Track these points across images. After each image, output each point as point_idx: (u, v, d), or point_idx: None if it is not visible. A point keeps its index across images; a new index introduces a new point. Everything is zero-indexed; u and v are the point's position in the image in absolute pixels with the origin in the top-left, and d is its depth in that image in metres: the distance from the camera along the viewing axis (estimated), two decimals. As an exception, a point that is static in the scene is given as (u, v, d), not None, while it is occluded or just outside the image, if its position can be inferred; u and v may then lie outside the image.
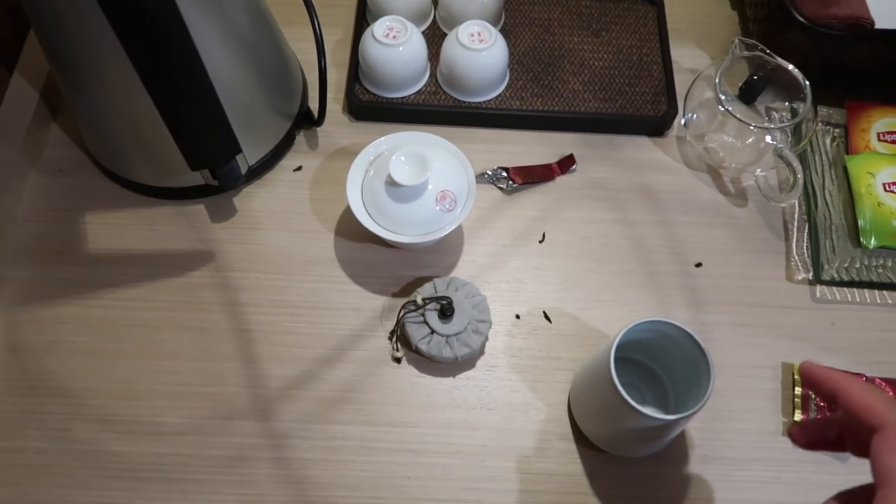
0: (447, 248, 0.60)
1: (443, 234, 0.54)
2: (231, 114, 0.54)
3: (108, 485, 0.50)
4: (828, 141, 0.66)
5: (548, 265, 0.60)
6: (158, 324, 0.56)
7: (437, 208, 0.54)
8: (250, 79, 0.56)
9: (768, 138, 0.61)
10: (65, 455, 0.51)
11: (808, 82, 0.60)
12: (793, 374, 0.55)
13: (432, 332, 0.53)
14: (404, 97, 0.65)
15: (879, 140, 0.65)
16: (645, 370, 0.54)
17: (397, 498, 0.50)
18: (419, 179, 0.52)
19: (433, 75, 0.66)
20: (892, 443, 0.34)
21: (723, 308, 0.58)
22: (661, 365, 0.53)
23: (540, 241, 0.61)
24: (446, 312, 0.53)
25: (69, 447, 0.51)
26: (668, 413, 0.48)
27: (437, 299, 0.54)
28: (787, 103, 0.64)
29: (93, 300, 0.57)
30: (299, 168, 0.63)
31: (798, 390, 0.54)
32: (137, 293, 0.57)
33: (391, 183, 0.53)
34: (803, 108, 0.60)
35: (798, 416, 0.54)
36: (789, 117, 0.62)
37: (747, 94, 0.66)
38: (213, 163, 0.51)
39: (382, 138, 0.57)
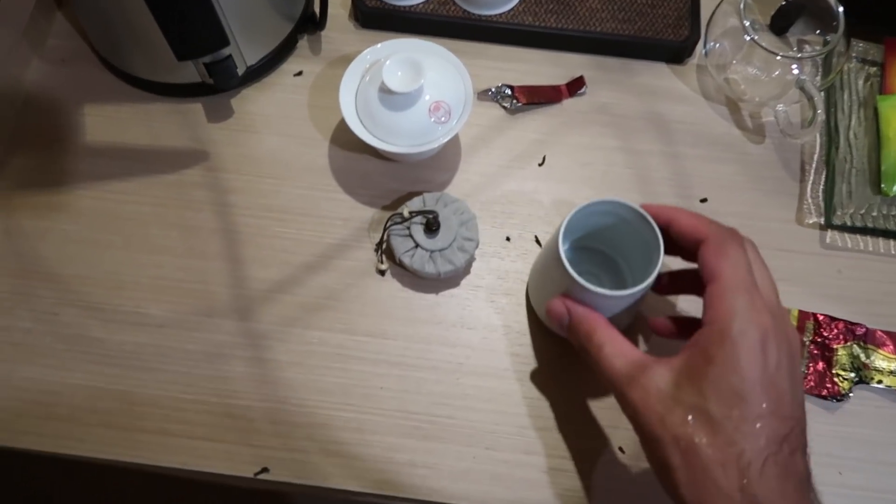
0: (442, 165, 0.58)
1: (434, 147, 0.52)
2: (228, 8, 0.53)
3: (89, 369, 0.51)
4: (861, 80, 0.62)
5: (544, 189, 0.58)
6: (147, 218, 0.56)
7: (431, 119, 0.52)
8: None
9: (794, 70, 0.57)
10: (50, 337, 0.52)
11: (841, 9, 0.55)
12: (792, 319, 0.53)
13: (417, 245, 0.52)
14: (412, 5, 0.62)
15: (917, 81, 0.61)
16: (605, 259, 0.53)
17: (368, 406, 0.51)
18: (412, 87, 0.51)
19: (445, -16, 0.63)
20: (713, 247, 0.40)
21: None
22: (620, 253, 0.53)
23: (539, 164, 0.59)
24: (432, 227, 0.52)
25: (55, 330, 0.52)
26: None
27: (423, 213, 0.52)
28: (821, 36, 0.60)
29: (86, 191, 0.57)
30: (300, 73, 0.62)
31: (791, 335, 0.53)
32: (129, 187, 0.57)
33: (384, 90, 0.52)
34: (834, 37, 0.55)
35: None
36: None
37: (778, 23, 0.62)
38: (197, 52, 0.50)
39: (380, 44, 0.55)
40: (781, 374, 0.37)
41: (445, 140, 0.52)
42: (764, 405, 0.36)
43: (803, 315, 0.53)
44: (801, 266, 0.56)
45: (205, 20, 0.47)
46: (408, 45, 0.55)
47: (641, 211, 0.46)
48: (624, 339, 0.42)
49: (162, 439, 0.50)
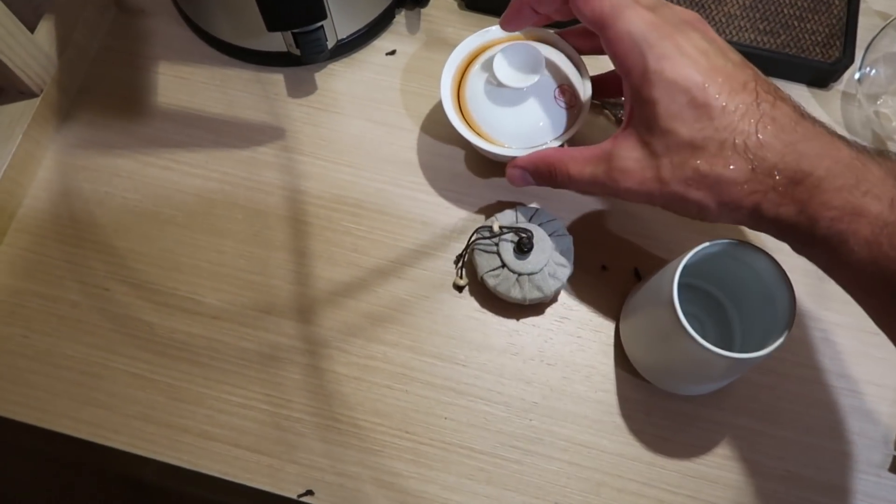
0: (540, 174, 0.52)
1: (566, 136, 0.46)
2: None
3: (135, 354, 0.47)
4: None
5: (652, 216, 0.51)
6: (213, 196, 0.51)
7: (558, 105, 0.46)
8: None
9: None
10: (98, 314, 0.48)
11: None
12: (919, 403, 0.46)
13: (503, 265, 0.46)
14: (526, -11, 0.56)
15: None
16: (713, 303, 0.47)
17: (429, 437, 0.46)
18: (530, 80, 0.45)
19: (565, -31, 0.56)
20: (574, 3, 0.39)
21: (849, 309, 0.48)
22: (732, 299, 0.46)
23: (649, 186, 0.52)
24: (523, 248, 0.46)
25: (104, 307, 0.49)
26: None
27: (516, 230, 0.46)
28: None
29: (151, 157, 0.53)
30: (393, 52, 0.56)
31: (921, 422, 0.46)
32: (197, 158, 0.52)
33: (495, 83, 0.46)
34: None
35: (913, 452, 0.45)
36: None
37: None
38: (290, 24, 0.44)
39: (493, 27, 0.49)
40: (708, 54, 0.37)
41: (576, 129, 0.46)
42: (722, 93, 0.35)
43: (940, 402, 0.46)
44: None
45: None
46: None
47: (773, 259, 0.39)
48: (578, 148, 0.42)
49: (203, 443, 0.45)
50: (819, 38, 0.54)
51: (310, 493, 0.44)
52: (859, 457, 0.45)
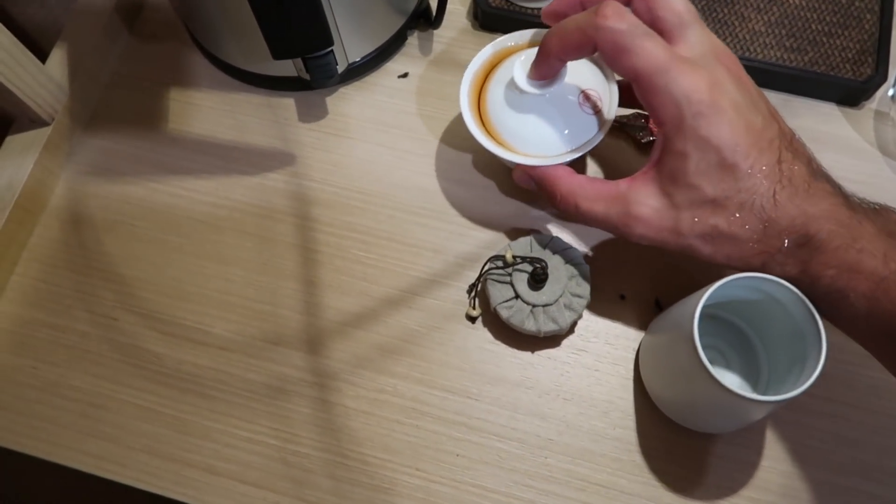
0: (556, 200, 0.50)
1: (593, 143, 0.43)
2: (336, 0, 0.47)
3: (142, 385, 0.47)
4: None
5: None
6: (222, 223, 0.51)
7: (584, 112, 0.44)
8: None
9: None
10: (106, 344, 0.48)
11: None
12: (960, 443, 0.43)
13: (517, 297, 0.45)
14: (541, 7, 0.54)
15: None
16: (736, 334, 0.45)
17: (440, 474, 0.44)
18: (550, 86, 0.42)
19: (582, -13, 0.55)
20: (611, 52, 0.37)
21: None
22: (758, 331, 0.44)
23: (669, 212, 0.50)
24: (538, 278, 0.44)
25: (112, 337, 0.48)
26: (755, 391, 0.42)
27: (530, 260, 0.45)
28: None
29: (161, 184, 0.52)
30: (405, 75, 0.55)
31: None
32: (206, 185, 0.52)
33: (516, 90, 0.43)
34: None
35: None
36: None
37: None
38: (295, 52, 0.43)
39: (508, 36, 0.47)
40: (741, 109, 0.37)
41: (602, 135, 0.43)
42: (750, 155, 0.36)
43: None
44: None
45: (310, 19, 0.41)
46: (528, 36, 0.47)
47: (801, 295, 0.37)
48: (589, 179, 0.41)
49: (209, 478, 0.44)
50: (850, 55, 0.52)
51: (317, 532, 0.43)
52: (894, 498, 0.43)
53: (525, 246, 0.46)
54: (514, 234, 0.49)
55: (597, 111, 0.44)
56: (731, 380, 0.44)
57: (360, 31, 0.51)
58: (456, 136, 0.53)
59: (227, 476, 0.44)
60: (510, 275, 0.45)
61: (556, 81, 0.42)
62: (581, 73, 0.44)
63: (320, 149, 0.53)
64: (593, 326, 0.47)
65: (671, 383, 0.42)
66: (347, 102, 0.54)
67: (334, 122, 0.54)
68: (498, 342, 0.47)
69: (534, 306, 0.45)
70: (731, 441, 0.44)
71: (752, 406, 0.36)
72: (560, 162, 0.43)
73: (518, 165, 0.43)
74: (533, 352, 0.47)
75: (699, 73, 0.36)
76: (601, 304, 0.47)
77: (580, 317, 0.46)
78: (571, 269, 0.45)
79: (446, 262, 0.49)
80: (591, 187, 0.40)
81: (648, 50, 0.36)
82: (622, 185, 0.40)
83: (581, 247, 0.49)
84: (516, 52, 0.46)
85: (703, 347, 0.44)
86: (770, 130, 0.37)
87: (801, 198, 0.36)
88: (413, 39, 0.56)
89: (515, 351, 0.47)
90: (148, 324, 0.48)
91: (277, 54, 0.43)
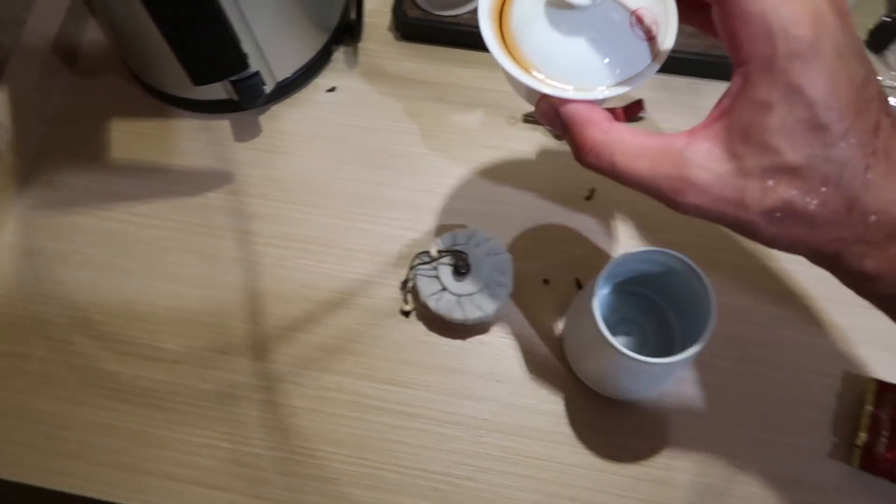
0: (479, 195, 0.53)
1: (648, 75, 0.33)
2: (255, 21, 0.50)
3: (101, 404, 0.49)
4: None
5: (591, 226, 0.52)
6: (167, 244, 0.53)
7: (636, 37, 0.33)
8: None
9: (892, 100, 0.50)
10: (65, 368, 0.50)
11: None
12: (864, 388, 0.46)
13: (444, 289, 0.48)
14: (458, 15, 0.57)
15: None
16: (652, 306, 0.48)
17: (384, 462, 0.47)
18: None
19: (493, -8, 0.58)
20: None
21: (789, 301, 0.49)
22: (669, 301, 0.47)
23: (587, 198, 0.53)
24: (461, 270, 0.47)
25: (69, 360, 0.51)
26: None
27: (453, 253, 0.48)
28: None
29: (109, 212, 0.55)
30: (333, 89, 0.58)
31: (868, 408, 0.46)
32: (151, 209, 0.55)
33: (560, 5, 0.33)
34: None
35: (862, 439, 0.45)
36: (923, 74, 0.50)
37: (877, 41, 0.54)
38: (214, 77, 0.46)
39: None
40: (845, 56, 0.28)
41: (656, 68, 0.33)
42: (846, 116, 0.28)
43: (881, 386, 0.46)
44: (879, 325, 0.48)
45: (221, 44, 0.44)
46: None
47: (691, 263, 0.40)
48: (631, 129, 0.31)
49: (168, 484, 0.47)
50: (745, 37, 0.55)
51: (272, 525, 0.46)
52: (805, 446, 0.46)
53: (449, 240, 0.49)
54: (442, 230, 0.52)
55: (650, 37, 0.33)
56: (648, 349, 0.47)
57: (285, 49, 0.54)
58: (384, 141, 0.56)
59: (186, 481, 0.47)
60: (436, 269, 0.48)
61: None
62: None
63: (257, 165, 0.56)
64: (521, 311, 0.50)
65: (588, 356, 0.45)
66: (280, 119, 0.57)
67: (269, 139, 0.57)
68: (431, 333, 0.50)
69: (460, 296, 0.48)
70: (652, 406, 0.47)
71: (649, 368, 0.39)
72: (600, 97, 0.33)
73: (544, 96, 0.33)
74: (465, 339, 0.50)
75: (802, 1, 0.28)
76: (526, 289, 0.50)
77: (506, 303, 0.49)
78: (493, 259, 0.48)
79: (380, 262, 0.52)
80: (634, 139, 0.31)
81: None
82: (676, 140, 0.30)
83: (503, 237, 0.52)
84: None
85: (621, 321, 0.48)
86: (871, 87, 0.29)
87: (891, 178, 0.29)
88: (339, 54, 0.59)
89: (448, 340, 0.50)
90: (103, 345, 0.51)
91: (197, 80, 0.46)
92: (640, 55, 0.33)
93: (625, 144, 0.31)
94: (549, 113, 0.33)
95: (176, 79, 0.54)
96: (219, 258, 0.53)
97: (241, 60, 0.45)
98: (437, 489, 0.46)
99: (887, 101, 0.30)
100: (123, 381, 0.50)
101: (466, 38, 0.58)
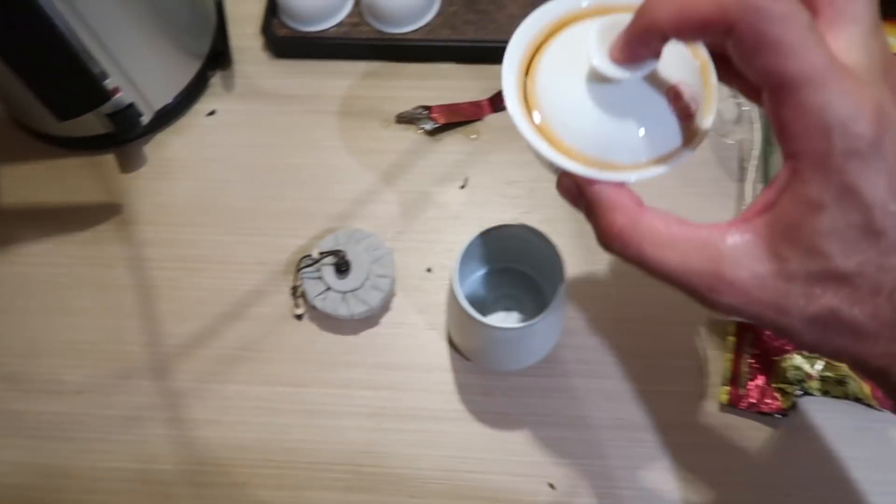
0: (360, 196, 0.56)
1: (688, 156, 0.30)
2: (122, 53, 0.52)
3: (8, 443, 0.50)
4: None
5: (468, 214, 0.55)
6: (62, 280, 0.55)
7: (672, 113, 0.30)
8: (141, 15, 0.52)
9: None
10: (-31, 412, 0.51)
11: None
12: (725, 331, 0.50)
13: (328, 288, 0.50)
14: (324, 30, 0.60)
15: None
16: (529, 281, 0.50)
17: (289, 460, 0.49)
18: (637, 71, 0.28)
19: (356, 3, 0.60)
20: (750, 37, 0.24)
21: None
22: (540, 274, 0.50)
23: (461, 187, 0.56)
24: (341, 268, 0.50)
25: (-26, 404, 0.51)
26: None
27: (332, 253, 0.50)
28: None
29: (3, 256, 0.56)
30: (213, 112, 0.60)
31: (730, 348, 0.49)
32: (43, 249, 0.56)
33: (586, 69, 0.29)
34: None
35: (727, 378, 0.48)
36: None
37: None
38: (75, 112, 0.48)
39: (545, 7, 0.32)
40: None
41: (694, 151, 0.30)
42: None
43: (741, 327, 0.49)
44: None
45: (76, 78, 0.46)
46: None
47: (540, 231, 0.43)
48: (662, 215, 0.28)
49: (80, 511, 0.48)
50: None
51: (184, 536, 0.47)
52: (680, 392, 0.49)
53: (331, 242, 0.51)
54: (326, 234, 0.54)
55: (687, 115, 0.30)
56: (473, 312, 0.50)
57: (158, 79, 0.56)
58: (266, 156, 0.58)
59: (97, 505, 0.48)
60: (319, 270, 0.50)
61: (647, 65, 0.28)
62: (672, 62, 0.30)
63: (145, 194, 0.57)
64: (408, 301, 0.53)
65: (464, 332, 0.47)
66: (164, 147, 0.59)
67: (155, 167, 0.58)
68: (324, 332, 0.52)
69: (344, 293, 0.50)
70: (537, 374, 0.49)
71: (511, 335, 0.42)
72: (630, 179, 0.29)
73: (565, 172, 0.30)
74: (357, 334, 0.52)
75: (865, 94, 0.25)
76: (411, 280, 0.53)
77: (391, 294, 0.52)
78: (374, 254, 0.51)
79: (271, 271, 0.54)
80: (665, 229, 0.28)
81: (807, 51, 0.24)
82: (712, 232, 0.28)
83: (387, 232, 0.54)
84: (587, 17, 0.32)
85: (501, 298, 0.51)
86: None
87: None
88: (216, 79, 0.61)
89: (341, 336, 0.52)
90: (7, 386, 0.52)
91: (60, 116, 0.47)
92: (675, 133, 0.30)
93: (655, 233, 0.28)
94: (572, 190, 0.31)
95: (52, 118, 0.56)
96: (114, 287, 0.54)
97: (100, 92, 0.47)
98: (342, 479, 0.48)
99: None
100: (28, 418, 0.51)
101: (336, 50, 0.60)
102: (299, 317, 0.52)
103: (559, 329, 0.48)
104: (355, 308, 0.49)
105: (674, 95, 0.30)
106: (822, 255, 0.26)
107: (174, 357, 0.52)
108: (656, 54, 0.28)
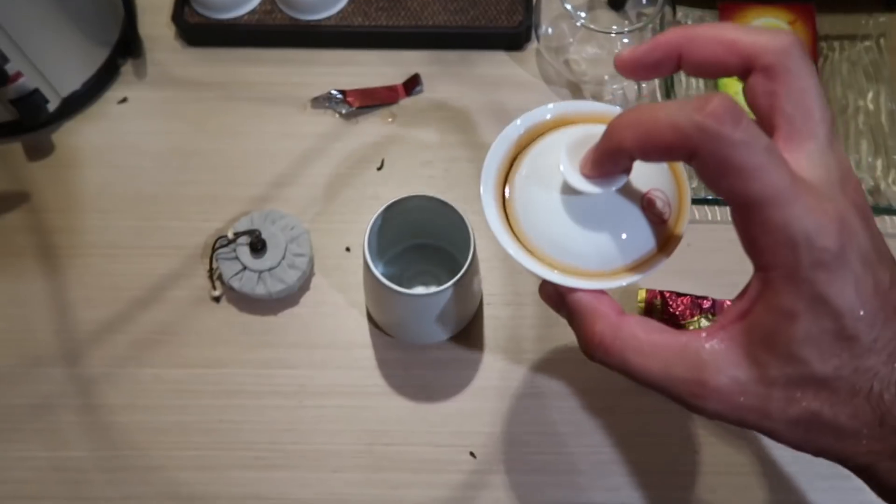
0: (277, 179, 0.56)
1: (647, 272, 0.31)
2: (23, 38, 0.51)
3: None
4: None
5: (385, 194, 0.56)
6: (-35, 271, 0.53)
7: (646, 219, 0.31)
8: (43, 1, 0.51)
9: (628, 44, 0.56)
10: None
11: (664, -22, 0.54)
12: (635, 302, 0.52)
13: (244, 268, 0.50)
14: (236, 17, 0.60)
15: (752, 44, 0.60)
16: (446, 256, 0.52)
17: (209, 442, 0.48)
18: (610, 185, 0.30)
19: (269, -8, 0.61)
20: (712, 166, 0.26)
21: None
22: (458, 248, 0.50)
23: (378, 168, 0.57)
24: (256, 247, 0.50)
25: None
26: None
27: (247, 233, 0.50)
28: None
29: None
30: (124, 100, 0.59)
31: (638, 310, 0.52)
32: (-56, 239, 0.54)
33: (559, 184, 0.31)
34: (653, 9, 0.54)
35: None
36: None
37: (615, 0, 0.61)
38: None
39: (519, 120, 0.34)
40: (873, 264, 0.27)
41: (667, 258, 0.31)
42: (875, 326, 0.27)
43: (650, 294, 0.52)
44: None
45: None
46: (568, 109, 0.34)
47: (439, 198, 0.44)
48: (642, 323, 0.30)
49: (-13, 504, 0.47)
50: (503, 7, 0.61)
51: (99, 523, 0.46)
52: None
53: (246, 222, 0.52)
54: (241, 216, 0.54)
55: (661, 221, 0.32)
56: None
57: (65, 65, 0.55)
58: (179, 143, 0.57)
59: (4, 497, 0.47)
60: (235, 250, 0.50)
61: (619, 180, 0.30)
62: (639, 166, 0.30)
63: (53, 182, 0.56)
64: (326, 280, 0.53)
65: (379, 305, 0.48)
66: (73, 135, 0.58)
67: (63, 155, 0.57)
68: (243, 313, 0.52)
69: (260, 272, 0.50)
70: (455, 346, 0.51)
71: (424, 302, 0.43)
72: (609, 286, 0.31)
73: (545, 282, 0.32)
74: (276, 314, 0.52)
75: (827, 209, 0.26)
76: (330, 259, 0.53)
77: (310, 273, 0.52)
78: (290, 233, 0.51)
79: (187, 255, 0.53)
80: (646, 337, 0.29)
81: (768, 172, 0.25)
82: (693, 339, 0.29)
83: (304, 214, 0.54)
84: (559, 128, 0.34)
85: (419, 274, 0.52)
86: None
87: None
88: (128, 67, 0.60)
89: (260, 317, 0.52)
90: None
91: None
92: (650, 238, 0.31)
93: (637, 342, 0.29)
94: (554, 297, 0.32)
95: (-47, 105, 0.54)
96: (22, 276, 0.53)
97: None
98: (262, 458, 0.48)
99: None
100: (-71, 412, 0.49)
101: (249, 37, 0.60)
102: (217, 299, 0.52)
103: (475, 300, 0.49)
104: (273, 287, 0.50)
105: (647, 203, 0.31)
106: (800, 361, 0.27)
107: (86, 343, 0.51)
108: (626, 170, 0.29)
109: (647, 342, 0.29)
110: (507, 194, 0.33)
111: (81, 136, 0.58)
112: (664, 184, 0.32)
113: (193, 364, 0.50)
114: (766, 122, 0.29)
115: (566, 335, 0.51)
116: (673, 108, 0.26)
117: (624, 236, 0.31)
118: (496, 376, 0.50)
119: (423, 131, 0.58)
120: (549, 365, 0.51)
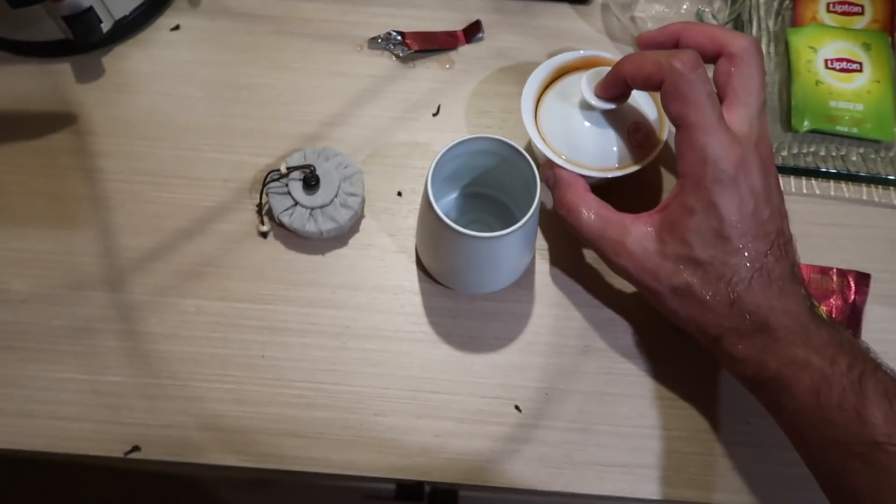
0: (330, 119, 0.55)
1: (629, 171, 0.46)
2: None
3: (-55, 352, 0.47)
4: (772, 12, 0.59)
5: (439, 140, 0.54)
6: (10, 188, 0.52)
7: (629, 143, 0.46)
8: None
9: (700, 5, 0.54)
10: None
11: (742, -65, 0.52)
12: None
13: (296, 203, 0.49)
14: (297, -50, 0.58)
15: (829, 11, 0.58)
16: (497, 205, 0.51)
17: (248, 376, 0.47)
18: (610, 104, 0.44)
19: (332, -74, 0.59)
20: (671, 92, 0.39)
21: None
22: (512, 198, 0.50)
23: (434, 115, 0.55)
24: (309, 182, 0.48)
25: None
26: None
27: (300, 168, 0.49)
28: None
29: (-57, 162, 0.53)
30: (177, 27, 0.57)
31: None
32: (-11, 155, 0.53)
33: (582, 106, 0.46)
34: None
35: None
36: (728, -19, 0.55)
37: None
38: (30, -1, 0.45)
39: (554, 59, 0.49)
40: (758, 198, 0.39)
41: (636, 169, 0.46)
42: (746, 237, 0.39)
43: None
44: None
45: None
46: (591, 55, 0.49)
47: (512, 143, 0.43)
48: (598, 201, 0.43)
49: (25, 421, 0.46)
50: (571, -42, 0.59)
51: (136, 448, 0.45)
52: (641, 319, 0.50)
53: (299, 158, 0.50)
54: (293, 153, 0.53)
55: (640, 145, 0.46)
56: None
57: (120, -13, 0.54)
58: (230, 75, 0.56)
59: (43, 416, 0.46)
60: (287, 185, 0.49)
61: (617, 103, 0.44)
62: (640, 107, 0.47)
63: (101, 105, 0.55)
64: (376, 223, 0.52)
65: (435, 251, 0.47)
66: (124, 59, 0.56)
67: (113, 79, 0.56)
68: (290, 251, 0.51)
69: (312, 209, 0.49)
70: (506, 299, 0.50)
71: (482, 246, 0.42)
72: (586, 174, 0.45)
73: (548, 162, 0.46)
74: (324, 254, 0.51)
75: (735, 147, 0.38)
76: (380, 202, 0.52)
77: (360, 215, 0.51)
78: (344, 172, 0.50)
79: (234, 189, 0.52)
80: (597, 207, 0.43)
81: (704, 107, 0.38)
82: (626, 217, 0.42)
83: (357, 156, 0.53)
84: (578, 71, 0.48)
85: (471, 223, 0.50)
86: (772, 224, 0.40)
87: (773, 291, 0.39)
88: (181, -6, 0.59)
89: (307, 256, 0.51)
90: (-56, 294, 0.49)
91: (15, 4, 0.45)
92: (628, 154, 0.46)
93: (589, 210, 0.43)
94: (547, 174, 0.46)
95: (4, 19, 0.53)
96: (66, 198, 0.52)
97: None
98: (303, 396, 0.47)
99: (789, 242, 0.41)
100: (-31, 327, 0.48)
101: (309, -28, 0.59)
102: (264, 234, 0.51)
103: (530, 252, 0.48)
104: (324, 224, 0.48)
105: (634, 128, 0.46)
106: (688, 244, 0.39)
107: (129, 270, 0.50)
108: (624, 96, 0.44)
109: (596, 211, 0.43)
110: (539, 108, 0.48)
111: (132, 61, 0.56)
112: (648, 120, 0.47)
113: (237, 298, 0.49)
114: (721, 91, 0.41)
115: (619, 297, 0.50)
116: (660, 53, 0.40)
117: (612, 146, 0.46)
118: (547, 332, 0.49)
119: (481, 80, 0.56)
120: (600, 326, 0.49)
